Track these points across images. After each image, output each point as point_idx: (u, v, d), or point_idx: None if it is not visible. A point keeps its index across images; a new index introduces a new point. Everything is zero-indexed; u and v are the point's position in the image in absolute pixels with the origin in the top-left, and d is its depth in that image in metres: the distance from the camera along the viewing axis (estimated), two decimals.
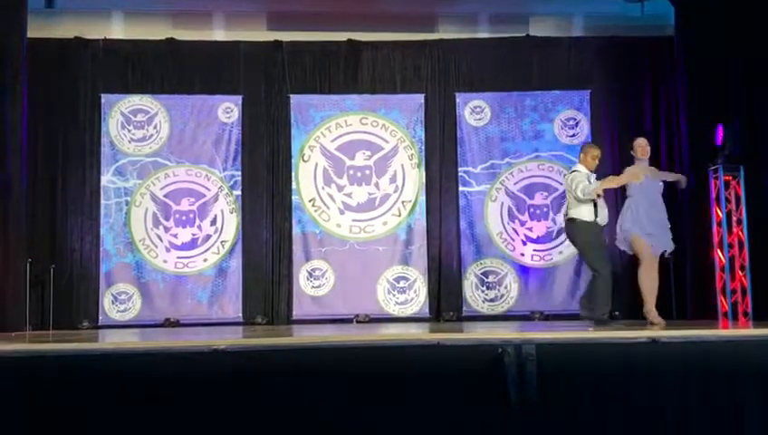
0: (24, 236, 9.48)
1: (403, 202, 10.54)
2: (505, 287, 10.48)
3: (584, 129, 10.63)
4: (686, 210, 9.84)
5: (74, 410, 4.59)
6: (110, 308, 10.09)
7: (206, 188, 10.42)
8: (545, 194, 10.57)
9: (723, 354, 4.92)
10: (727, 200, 9.07)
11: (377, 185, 10.55)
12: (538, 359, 4.66)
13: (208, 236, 10.35)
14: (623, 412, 4.76)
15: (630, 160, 7.75)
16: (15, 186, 9.08)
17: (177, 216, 10.35)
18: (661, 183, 7.51)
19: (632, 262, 10.35)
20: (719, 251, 9.08)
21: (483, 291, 10.42)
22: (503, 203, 10.59)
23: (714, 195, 9.10)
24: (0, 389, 4.60)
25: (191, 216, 10.36)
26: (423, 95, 10.73)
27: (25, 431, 4.57)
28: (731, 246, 9.03)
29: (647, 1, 10.60)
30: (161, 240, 10.28)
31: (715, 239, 9.10)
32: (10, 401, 4.58)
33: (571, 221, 7.45)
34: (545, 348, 4.74)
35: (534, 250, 10.51)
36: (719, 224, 9.08)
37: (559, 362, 4.73)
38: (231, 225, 10.40)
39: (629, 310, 10.11)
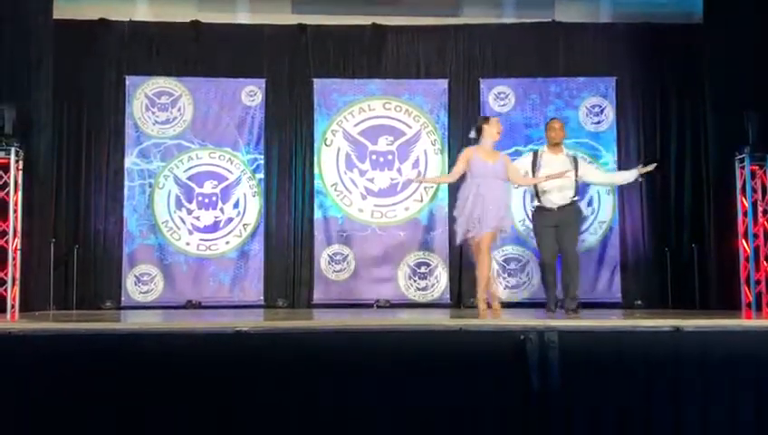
0: (48, 216, 9.58)
1: (425, 188, 10.50)
2: (526, 274, 10.44)
3: (609, 116, 10.55)
4: (711, 200, 9.78)
5: (96, 389, 4.63)
6: (132, 289, 10.15)
7: (229, 171, 10.44)
8: None
9: (746, 344, 4.89)
10: (753, 190, 8.98)
11: (399, 170, 10.52)
12: (560, 346, 4.65)
13: (231, 219, 10.39)
14: (645, 400, 4.74)
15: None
16: (41, 167, 9.16)
17: (199, 198, 10.38)
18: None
19: (655, 250, 10.36)
20: (744, 241, 9.00)
21: (504, 278, 10.38)
22: (525, 190, 10.49)
23: (740, 184, 9.01)
24: (24, 367, 4.65)
25: (214, 198, 10.39)
26: (447, 80, 10.67)
27: (47, 409, 4.61)
28: (756, 236, 8.94)
29: None
30: (184, 222, 10.32)
31: (740, 229, 9.02)
32: (33, 379, 4.62)
33: None
34: (568, 335, 4.73)
35: None
36: (744, 214, 9.00)
37: (581, 350, 4.72)
38: (253, 208, 10.43)
39: (652, 298, 10.11)
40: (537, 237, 7.70)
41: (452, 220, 7.61)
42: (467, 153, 7.13)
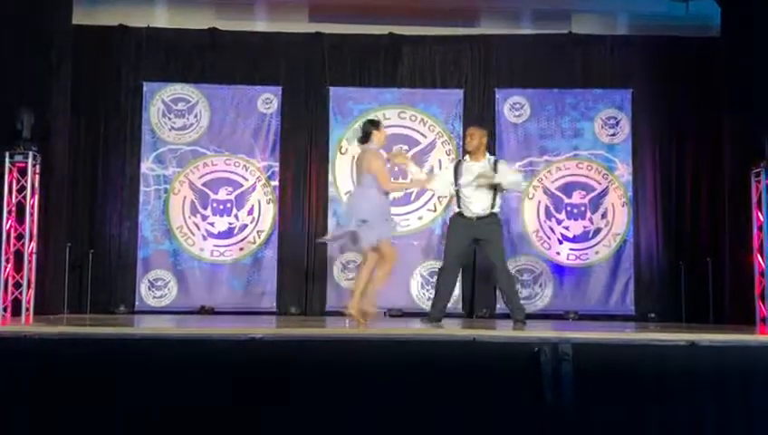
0: (64, 220, 9.63)
1: (439, 197, 10.48)
2: (540, 286, 10.42)
3: (625, 128, 10.54)
4: (726, 214, 9.73)
5: (109, 393, 4.65)
6: (146, 294, 10.19)
7: (244, 177, 10.48)
8: (583, 193, 10.49)
9: (760, 359, 4.86)
10: None
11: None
12: (574, 358, 4.63)
13: (245, 226, 10.41)
14: (658, 415, 4.72)
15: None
16: (58, 170, 9.21)
17: (214, 204, 10.42)
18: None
19: (669, 264, 10.32)
20: (759, 256, 8.93)
21: (517, 289, 10.33)
22: (539, 201, 10.53)
23: (755, 198, 8.96)
24: (38, 370, 4.67)
25: (228, 205, 10.43)
26: (462, 90, 10.67)
27: (60, 412, 4.63)
28: None
29: (692, 0, 10.46)
30: (198, 228, 10.36)
31: (756, 244, 8.96)
32: (47, 382, 4.64)
33: None
34: (582, 348, 4.72)
35: (570, 249, 10.44)
36: (760, 228, 8.93)
37: (595, 363, 4.71)
38: (267, 215, 10.46)
39: (666, 312, 10.07)
40: (447, 244, 7.57)
41: None
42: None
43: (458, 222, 7.42)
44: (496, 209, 7.43)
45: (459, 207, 7.40)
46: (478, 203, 7.31)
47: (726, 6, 9.78)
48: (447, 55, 10.72)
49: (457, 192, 7.38)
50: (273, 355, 4.76)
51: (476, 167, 7.37)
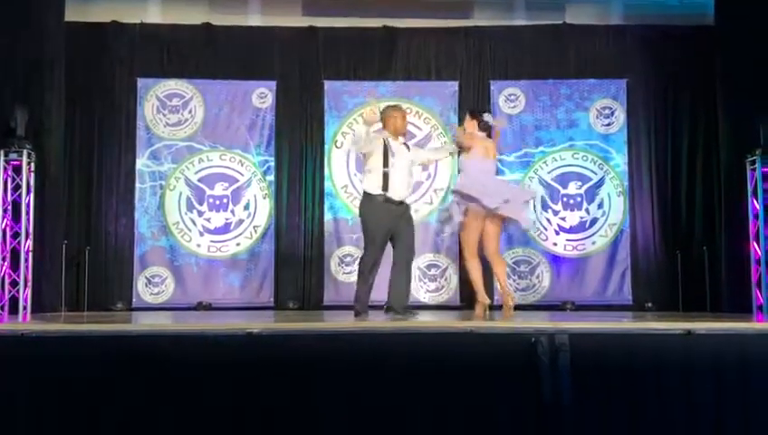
0: (60, 218, 9.62)
1: (435, 190, 10.51)
2: (537, 277, 10.43)
3: (620, 118, 10.53)
4: (722, 202, 9.74)
5: (107, 391, 4.64)
6: (143, 291, 10.19)
7: (240, 173, 10.47)
8: (579, 183, 10.49)
9: (757, 348, 4.87)
10: (765, 192, 8.93)
11: (410, 172, 10.48)
12: (571, 349, 4.64)
13: (241, 221, 10.42)
14: (656, 404, 4.73)
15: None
16: (53, 168, 9.20)
17: (210, 200, 10.42)
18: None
19: (666, 253, 10.33)
20: (755, 244, 8.95)
21: (514, 280, 10.35)
22: (536, 192, 10.53)
23: (751, 187, 8.98)
24: (36, 368, 4.66)
25: (224, 200, 10.42)
26: (457, 82, 10.67)
27: (58, 410, 4.63)
28: (767, 238, 8.90)
29: None
30: (195, 224, 10.36)
31: (752, 232, 8.98)
32: (45, 380, 4.64)
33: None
34: (579, 338, 4.72)
35: (567, 240, 10.44)
36: (756, 216, 8.96)
37: (592, 353, 4.71)
38: (264, 210, 10.45)
39: (663, 301, 10.08)
40: (371, 233, 7.00)
41: None
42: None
43: (384, 207, 6.96)
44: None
45: (386, 188, 6.94)
46: (403, 187, 7.07)
47: None
48: (442, 47, 10.71)
49: (386, 173, 6.98)
50: (270, 350, 4.75)
51: (398, 145, 7.14)
